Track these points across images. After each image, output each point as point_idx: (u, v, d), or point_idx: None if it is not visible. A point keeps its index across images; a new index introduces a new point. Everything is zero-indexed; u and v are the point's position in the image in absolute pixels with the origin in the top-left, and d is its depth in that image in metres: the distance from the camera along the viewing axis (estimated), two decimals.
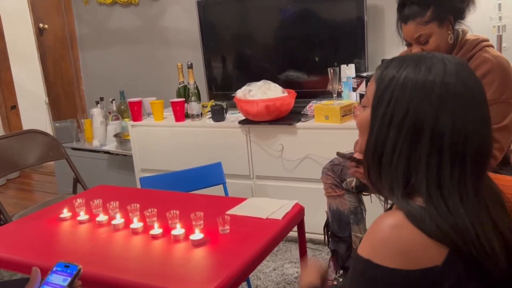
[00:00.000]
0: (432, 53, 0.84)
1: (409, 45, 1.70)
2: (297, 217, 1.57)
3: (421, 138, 0.78)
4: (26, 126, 4.23)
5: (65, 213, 1.66)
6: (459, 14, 1.64)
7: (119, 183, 2.99)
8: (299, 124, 2.46)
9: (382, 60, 2.65)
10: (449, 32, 1.63)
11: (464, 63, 0.83)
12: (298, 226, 1.61)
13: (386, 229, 0.76)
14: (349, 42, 2.65)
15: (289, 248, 2.55)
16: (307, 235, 1.70)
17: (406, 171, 0.79)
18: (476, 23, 2.03)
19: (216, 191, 2.12)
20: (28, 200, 3.82)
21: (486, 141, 0.80)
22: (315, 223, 2.13)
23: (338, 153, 1.63)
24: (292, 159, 2.50)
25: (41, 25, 4.04)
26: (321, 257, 2.43)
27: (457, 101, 0.78)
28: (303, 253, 1.67)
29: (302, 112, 2.61)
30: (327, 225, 2.04)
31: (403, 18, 1.65)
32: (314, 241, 2.52)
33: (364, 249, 0.78)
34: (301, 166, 2.49)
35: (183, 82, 2.92)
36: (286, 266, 2.38)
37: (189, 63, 2.83)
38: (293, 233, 1.65)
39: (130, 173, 3.05)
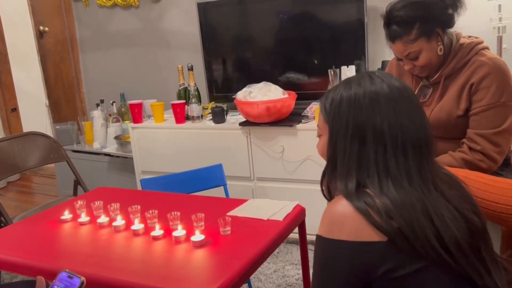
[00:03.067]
0: (361, 72, 1.01)
1: (400, 60, 1.68)
2: (298, 218, 1.57)
3: (366, 139, 0.91)
4: (26, 128, 4.24)
5: (66, 215, 1.66)
6: (447, 24, 1.61)
7: (120, 186, 2.99)
8: (299, 126, 2.46)
9: (383, 62, 2.65)
10: (439, 44, 1.60)
11: (388, 72, 0.99)
12: (299, 227, 1.61)
13: (335, 207, 0.89)
14: (349, 44, 2.66)
15: (290, 250, 2.55)
16: (308, 237, 1.69)
17: (358, 170, 0.91)
18: (476, 25, 2.03)
19: (217, 193, 2.12)
20: (29, 202, 3.82)
21: (423, 130, 0.92)
22: (316, 225, 2.12)
23: None
24: (292, 161, 2.50)
25: (41, 27, 4.05)
26: None
27: (388, 101, 0.92)
28: (304, 254, 1.67)
29: (302, 114, 2.61)
30: None
31: (390, 37, 1.62)
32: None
33: (319, 229, 0.92)
34: (301, 167, 2.49)
35: (183, 84, 2.92)
36: (287, 268, 2.37)
37: (190, 65, 2.84)
38: (294, 235, 1.65)
39: (131, 175, 3.05)
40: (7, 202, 3.67)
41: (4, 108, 4.25)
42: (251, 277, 2.22)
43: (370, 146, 0.90)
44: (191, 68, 2.83)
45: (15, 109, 4.33)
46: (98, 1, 3.58)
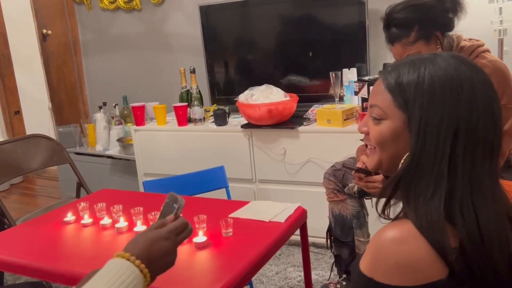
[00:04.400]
0: (439, 52, 0.84)
1: None
2: (299, 220, 1.58)
3: (458, 136, 0.75)
4: (29, 131, 4.25)
5: (69, 216, 1.67)
6: (446, 27, 1.62)
7: (122, 188, 3.00)
8: (301, 128, 2.47)
9: (384, 64, 2.66)
10: (438, 47, 1.61)
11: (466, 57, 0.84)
12: (301, 229, 1.61)
13: (389, 244, 0.74)
14: (351, 47, 2.67)
15: (292, 252, 2.55)
16: (310, 239, 1.70)
17: (449, 175, 0.75)
18: (477, 27, 2.03)
19: (218, 195, 2.12)
20: (32, 204, 3.83)
21: (501, 130, 0.81)
22: (318, 227, 2.13)
23: (344, 165, 1.64)
24: (294, 163, 2.51)
25: (44, 31, 4.07)
26: (324, 261, 2.43)
27: (484, 92, 0.78)
28: (306, 256, 1.67)
29: (304, 116, 2.62)
30: (329, 230, 2.04)
31: (389, 39, 1.64)
32: (316, 245, 2.52)
33: (366, 265, 0.76)
34: (303, 169, 2.49)
35: (185, 86, 2.94)
36: (289, 270, 2.38)
37: (192, 68, 2.85)
38: (296, 237, 1.66)
39: (133, 177, 3.06)
40: (10, 204, 3.68)
41: (7, 110, 4.27)
42: (253, 279, 2.22)
43: (461, 144, 0.75)
44: (193, 71, 2.84)
45: (18, 112, 4.35)
46: (101, 4, 3.60)
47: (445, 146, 0.75)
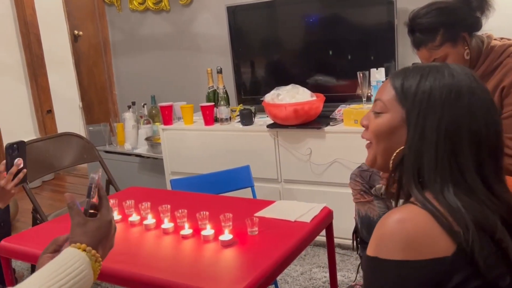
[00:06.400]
0: (444, 63, 0.90)
1: None
2: (325, 221, 1.57)
3: (461, 138, 0.81)
4: (61, 129, 4.36)
5: None
6: (473, 27, 1.58)
7: (150, 186, 3.04)
8: (327, 128, 2.46)
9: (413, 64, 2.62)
10: (465, 48, 1.57)
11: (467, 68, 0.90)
12: (327, 229, 1.61)
13: (391, 223, 0.78)
14: (379, 46, 2.64)
15: (317, 252, 2.54)
16: (335, 240, 1.69)
17: (451, 171, 0.80)
18: (505, 26, 1.98)
19: (244, 194, 2.13)
20: (63, 201, 3.92)
21: (501, 132, 0.86)
22: (344, 228, 2.12)
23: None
24: (320, 163, 2.50)
25: (76, 32, 4.18)
26: (349, 262, 2.41)
27: (483, 99, 0.83)
28: (331, 257, 1.67)
29: (330, 116, 2.61)
30: (355, 231, 2.02)
31: (414, 44, 1.61)
32: (342, 246, 2.50)
33: (371, 248, 0.80)
34: (329, 170, 2.48)
35: (212, 86, 2.96)
36: (314, 270, 2.37)
37: (219, 68, 2.87)
38: (321, 238, 1.65)
39: (161, 176, 3.10)
40: (42, 200, 3.79)
41: (40, 109, 4.40)
42: (278, 279, 2.22)
43: (465, 146, 0.81)
44: (220, 71, 2.86)
45: (50, 111, 4.47)
46: (130, 6, 3.66)
47: (446, 143, 0.80)
